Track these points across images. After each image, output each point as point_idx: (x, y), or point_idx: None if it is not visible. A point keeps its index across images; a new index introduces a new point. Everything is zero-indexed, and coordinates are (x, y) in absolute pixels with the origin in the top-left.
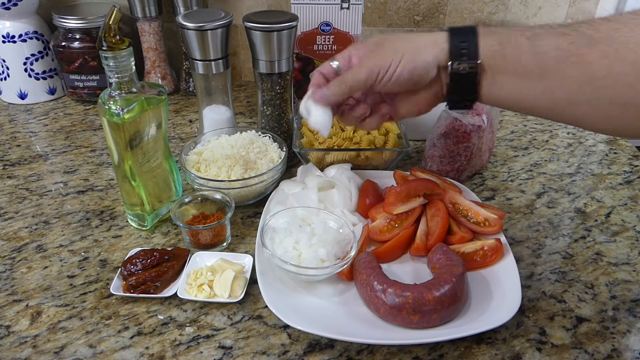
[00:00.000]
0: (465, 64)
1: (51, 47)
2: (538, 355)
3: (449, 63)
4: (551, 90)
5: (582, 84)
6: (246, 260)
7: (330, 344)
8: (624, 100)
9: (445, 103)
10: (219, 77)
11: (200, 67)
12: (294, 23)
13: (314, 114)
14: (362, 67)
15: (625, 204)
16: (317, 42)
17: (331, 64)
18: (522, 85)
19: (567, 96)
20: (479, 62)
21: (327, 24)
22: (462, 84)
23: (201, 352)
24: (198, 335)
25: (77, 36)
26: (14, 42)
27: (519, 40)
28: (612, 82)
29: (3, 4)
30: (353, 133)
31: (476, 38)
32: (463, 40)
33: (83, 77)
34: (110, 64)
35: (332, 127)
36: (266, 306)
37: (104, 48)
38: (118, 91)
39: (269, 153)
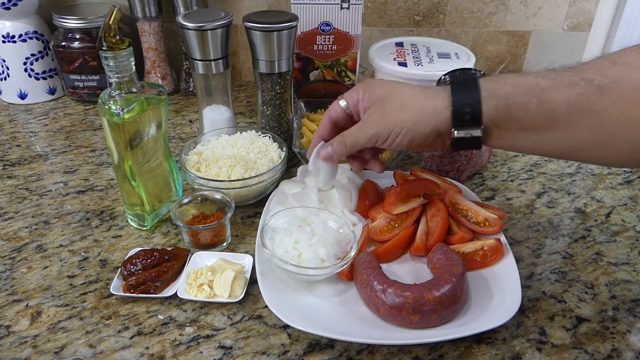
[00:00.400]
0: (468, 131)
1: (51, 47)
2: (538, 355)
3: (452, 131)
4: (560, 139)
5: (592, 132)
6: (246, 260)
7: (330, 344)
8: (637, 142)
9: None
10: (219, 77)
11: (200, 67)
12: (294, 23)
13: (324, 170)
14: (362, 131)
15: (625, 204)
16: (317, 42)
17: (340, 103)
18: (530, 137)
19: (576, 143)
20: (480, 129)
21: (327, 24)
22: (466, 143)
23: (201, 352)
24: (198, 335)
25: (77, 36)
26: (14, 42)
27: (526, 98)
28: (624, 127)
29: (3, 4)
30: None
31: (479, 101)
32: (466, 103)
33: (83, 77)
34: (110, 64)
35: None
36: (266, 306)
37: (104, 48)
38: (118, 91)
39: (269, 153)
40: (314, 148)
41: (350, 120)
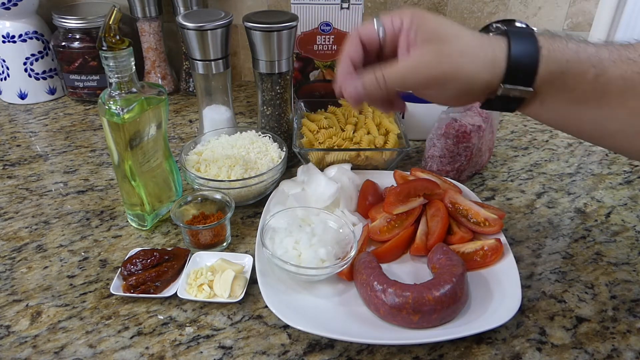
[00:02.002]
0: (517, 91)
1: (51, 47)
2: (538, 355)
3: (501, 85)
4: (603, 119)
5: (638, 116)
6: (246, 260)
7: (330, 344)
8: None
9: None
10: (219, 77)
11: (200, 67)
12: (294, 23)
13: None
14: (411, 72)
15: (625, 204)
16: (317, 42)
17: (375, 24)
18: (573, 111)
19: (618, 127)
20: (531, 90)
21: (327, 24)
22: (506, 103)
23: (201, 352)
24: (198, 335)
25: (77, 36)
26: (14, 42)
27: (584, 67)
28: None
29: (3, 4)
30: (353, 133)
31: (537, 60)
32: (522, 60)
33: (83, 77)
34: (110, 64)
35: (332, 128)
36: (266, 306)
37: (104, 48)
38: (118, 91)
39: (269, 153)
40: (344, 73)
41: (377, 50)
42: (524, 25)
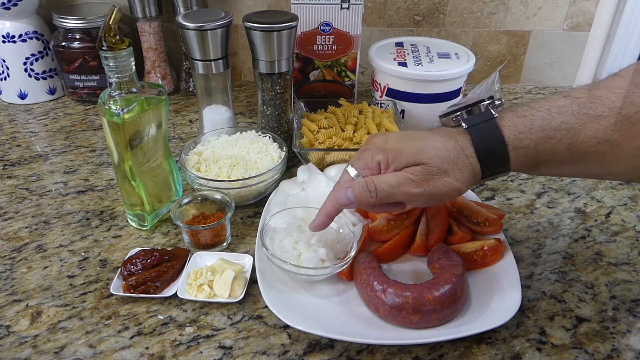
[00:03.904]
0: (496, 176)
1: (51, 47)
2: (538, 355)
3: (480, 180)
4: (592, 170)
5: (625, 161)
6: (246, 260)
7: (330, 344)
8: None
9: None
10: (219, 77)
11: (200, 67)
12: (294, 23)
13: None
14: (396, 185)
15: (625, 204)
16: (317, 42)
17: (350, 173)
18: (556, 170)
19: (605, 172)
20: (509, 172)
21: (327, 24)
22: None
23: (201, 352)
24: (198, 335)
25: (77, 36)
26: (14, 42)
27: (553, 143)
28: None
29: (3, 4)
30: (353, 133)
31: (507, 157)
32: (494, 163)
33: (83, 77)
34: (110, 64)
35: (332, 128)
36: (266, 306)
37: (104, 48)
38: (118, 91)
39: (269, 153)
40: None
41: None
42: (484, 104)
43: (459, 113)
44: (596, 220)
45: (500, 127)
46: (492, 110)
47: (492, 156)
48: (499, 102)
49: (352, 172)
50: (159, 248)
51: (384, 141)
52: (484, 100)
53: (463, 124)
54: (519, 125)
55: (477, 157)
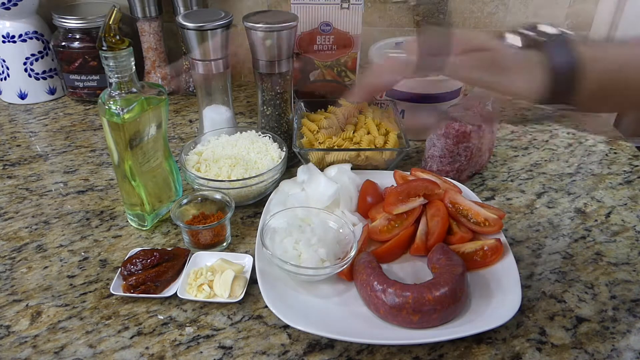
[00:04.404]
0: (560, 104)
1: (51, 47)
2: (538, 355)
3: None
4: None
5: None
6: (246, 260)
7: (330, 344)
8: None
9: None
10: (219, 77)
11: (200, 67)
12: (294, 23)
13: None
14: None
15: (625, 204)
16: (317, 42)
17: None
18: (624, 110)
19: None
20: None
21: (327, 24)
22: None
23: (201, 352)
24: (198, 335)
25: (77, 36)
26: (14, 42)
27: (627, 71)
28: None
29: (3, 4)
30: (353, 133)
31: (579, 72)
32: (565, 73)
33: (83, 77)
34: (110, 64)
35: (332, 128)
36: (266, 306)
37: (104, 48)
38: (118, 91)
39: (269, 153)
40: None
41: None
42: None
43: (531, 32)
44: (596, 220)
45: (578, 48)
46: (567, 32)
47: (565, 73)
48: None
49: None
50: (159, 248)
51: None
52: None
53: (540, 39)
54: (597, 52)
55: (551, 71)
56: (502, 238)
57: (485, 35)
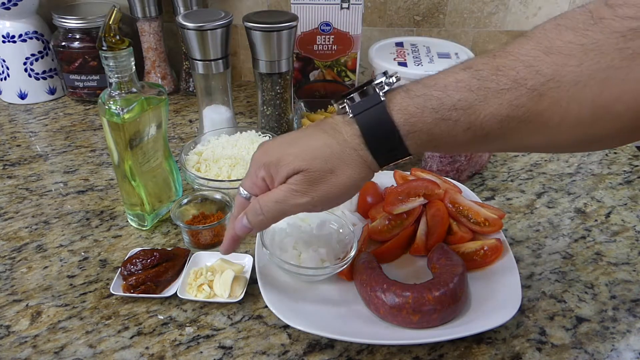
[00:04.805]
0: (396, 163)
1: (51, 47)
2: (538, 355)
3: (381, 169)
4: (500, 147)
5: (535, 135)
6: (246, 260)
7: (330, 344)
8: (581, 138)
9: None
10: (219, 77)
11: (200, 67)
12: (294, 23)
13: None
14: (282, 199)
15: (625, 204)
16: (317, 42)
17: (243, 195)
18: (461, 149)
19: (520, 146)
20: (410, 157)
21: (327, 24)
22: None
23: (201, 352)
24: (198, 335)
25: (77, 36)
26: (14, 42)
27: (449, 125)
28: (566, 127)
29: (3, 4)
30: None
31: (402, 144)
32: (387, 152)
33: (83, 77)
34: (110, 64)
35: None
36: (266, 306)
37: (104, 48)
38: (118, 91)
39: None
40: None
41: None
42: (374, 83)
43: (347, 99)
44: (596, 220)
45: (390, 111)
46: (380, 93)
47: (384, 145)
48: (393, 80)
49: (243, 193)
50: (159, 248)
51: (263, 153)
52: (373, 80)
53: (349, 112)
54: (410, 108)
55: (367, 147)
56: (502, 238)
57: (292, 149)
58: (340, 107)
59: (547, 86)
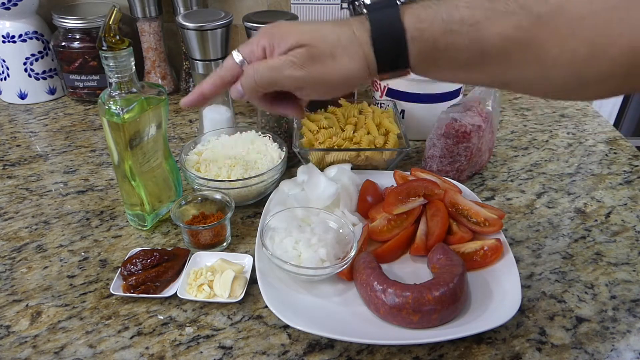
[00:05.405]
0: (393, 72)
1: (51, 47)
2: (538, 355)
3: (377, 72)
4: (492, 74)
5: (527, 65)
6: (246, 260)
7: (330, 344)
8: (571, 77)
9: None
10: None
11: (200, 67)
12: None
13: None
14: (277, 68)
15: (625, 204)
16: None
17: (235, 59)
18: (459, 73)
19: (510, 76)
20: (408, 69)
21: None
22: (390, 74)
23: (201, 352)
24: (198, 335)
25: (77, 36)
26: (14, 42)
27: (455, 37)
28: (562, 61)
29: (3, 4)
30: (353, 133)
31: (406, 48)
32: (390, 52)
33: (83, 77)
34: (110, 64)
35: (332, 128)
36: (266, 306)
37: (104, 48)
38: (118, 91)
39: (269, 153)
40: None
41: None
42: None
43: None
44: (596, 220)
45: (402, 14)
46: None
47: (389, 46)
48: None
49: (237, 57)
50: (159, 248)
51: (273, 26)
52: None
53: (364, 10)
54: (422, 15)
55: (372, 46)
56: (502, 238)
57: (302, 27)
58: (356, 5)
59: (551, 15)
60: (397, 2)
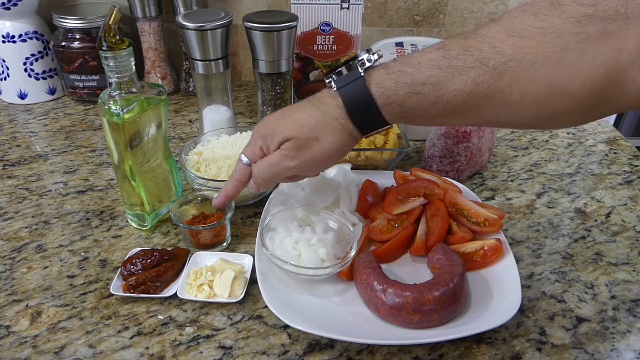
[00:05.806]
0: (376, 131)
1: (51, 47)
2: (538, 355)
3: (364, 136)
4: (468, 121)
5: (493, 111)
6: (246, 260)
7: (330, 344)
8: (540, 115)
9: None
10: (219, 77)
11: (200, 67)
12: (294, 23)
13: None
14: (275, 164)
15: (625, 204)
16: (317, 42)
17: (243, 162)
18: (431, 122)
19: (485, 120)
20: (390, 126)
21: (327, 24)
22: (377, 133)
23: (201, 352)
24: (198, 335)
25: (77, 36)
26: (14, 42)
27: (420, 98)
28: (525, 104)
29: (3, 4)
30: None
31: (379, 114)
32: (366, 120)
33: (83, 77)
34: (110, 64)
35: None
36: (266, 306)
37: (104, 48)
38: (118, 91)
39: None
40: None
41: None
42: (355, 61)
43: (332, 75)
44: (596, 220)
45: (368, 85)
46: (360, 69)
47: (364, 114)
48: (375, 56)
49: (244, 159)
50: (159, 248)
51: (262, 125)
52: (356, 57)
53: (333, 86)
54: (386, 83)
55: (349, 117)
56: (502, 238)
57: (284, 120)
58: (327, 81)
59: (507, 65)
60: (359, 70)
